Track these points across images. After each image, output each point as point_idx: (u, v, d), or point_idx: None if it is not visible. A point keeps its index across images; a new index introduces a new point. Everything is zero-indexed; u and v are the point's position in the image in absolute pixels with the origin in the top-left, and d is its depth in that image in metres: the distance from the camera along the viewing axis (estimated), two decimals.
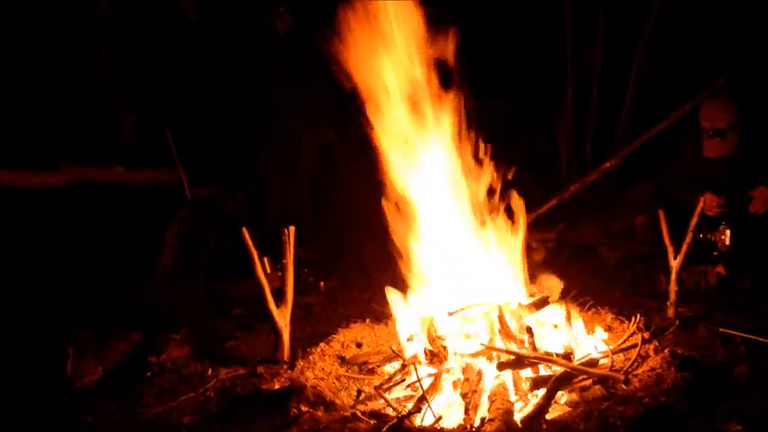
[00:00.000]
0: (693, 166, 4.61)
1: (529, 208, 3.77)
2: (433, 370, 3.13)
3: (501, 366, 2.96)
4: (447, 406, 2.96)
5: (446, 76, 3.64)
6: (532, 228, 5.51)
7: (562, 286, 3.80)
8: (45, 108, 4.78)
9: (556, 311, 3.61)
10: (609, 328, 3.72)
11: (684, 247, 3.75)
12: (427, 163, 3.61)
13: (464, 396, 2.91)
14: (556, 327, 3.50)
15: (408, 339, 3.40)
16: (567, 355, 3.11)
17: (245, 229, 3.36)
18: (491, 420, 2.66)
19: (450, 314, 3.28)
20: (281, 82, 5.57)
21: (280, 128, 5.66)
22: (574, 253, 5.38)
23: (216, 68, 5.77)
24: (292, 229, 3.47)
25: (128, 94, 5.41)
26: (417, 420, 2.79)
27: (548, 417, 2.72)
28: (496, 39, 6.45)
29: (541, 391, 2.84)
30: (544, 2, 6.74)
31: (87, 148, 4.82)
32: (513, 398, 2.90)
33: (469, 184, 3.65)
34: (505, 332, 3.17)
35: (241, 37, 5.57)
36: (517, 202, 3.66)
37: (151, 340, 3.70)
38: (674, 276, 3.79)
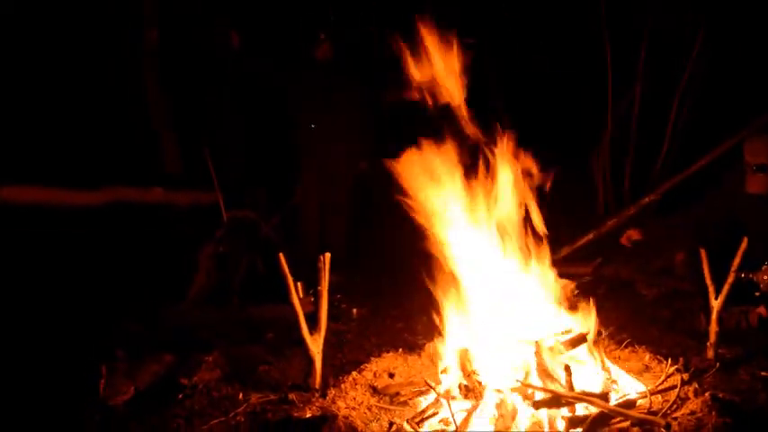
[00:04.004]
0: (736, 201, 4.53)
1: (566, 241, 3.72)
2: (466, 404, 3.08)
3: (537, 405, 2.90)
4: None
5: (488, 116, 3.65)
6: (569, 262, 5.47)
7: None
8: (90, 130, 4.89)
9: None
10: (646, 368, 3.64)
11: (726, 287, 3.66)
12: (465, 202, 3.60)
13: None
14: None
15: (443, 372, 3.36)
16: (605, 395, 3.04)
17: (281, 255, 3.36)
18: None
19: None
20: (320, 109, 5.63)
21: (320, 154, 5.70)
22: (610, 288, 5.29)
23: (257, 95, 5.85)
24: (327, 255, 3.46)
25: (171, 117, 5.51)
26: None
27: None
28: (537, 75, 6.45)
29: None
30: (584, 36, 6.72)
31: (129, 169, 4.90)
32: None
33: (505, 219, 3.63)
34: (542, 369, 3.11)
35: (282, 64, 5.64)
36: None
37: (184, 362, 3.70)
38: (714, 317, 3.69)
